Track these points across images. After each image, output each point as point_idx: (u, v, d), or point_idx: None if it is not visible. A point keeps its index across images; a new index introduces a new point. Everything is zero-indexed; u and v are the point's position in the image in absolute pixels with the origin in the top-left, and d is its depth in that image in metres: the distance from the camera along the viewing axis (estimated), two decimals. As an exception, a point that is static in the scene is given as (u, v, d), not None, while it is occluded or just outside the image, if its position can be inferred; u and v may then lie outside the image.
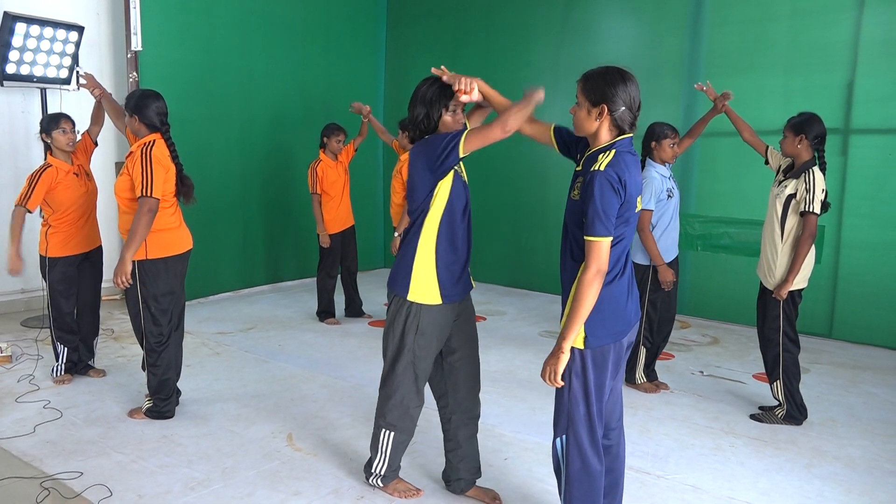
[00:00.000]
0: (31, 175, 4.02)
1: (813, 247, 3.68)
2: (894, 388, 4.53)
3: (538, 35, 7.26)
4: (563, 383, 2.27)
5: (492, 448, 3.39)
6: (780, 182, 3.77)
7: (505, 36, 7.48)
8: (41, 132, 4.17)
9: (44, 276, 4.16)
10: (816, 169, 3.65)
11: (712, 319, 6.12)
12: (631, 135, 2.30)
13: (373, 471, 2.91)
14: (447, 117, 2.65)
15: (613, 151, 2.23)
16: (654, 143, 4.15)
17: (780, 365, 3.76)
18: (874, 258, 5.46)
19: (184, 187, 3.68)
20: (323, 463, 3.23)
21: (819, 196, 3.59)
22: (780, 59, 5.76)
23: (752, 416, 3.89)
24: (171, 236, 3.63)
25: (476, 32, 7.69)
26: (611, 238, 2.18)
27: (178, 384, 3.96)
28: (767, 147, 4.06)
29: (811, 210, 3.57)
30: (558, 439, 2.41)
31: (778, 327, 3.75)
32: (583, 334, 2.27)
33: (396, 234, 5.05)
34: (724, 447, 3.51)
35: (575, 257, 2.31)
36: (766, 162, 4.05)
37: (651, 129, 4.19)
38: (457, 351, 2.82)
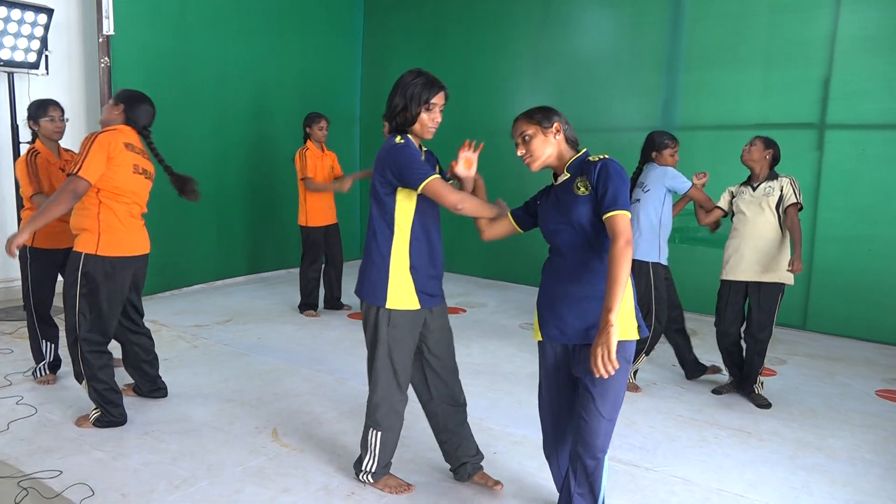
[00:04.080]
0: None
1: (787, 241, 3.97)
2: (868, 378, 4.63)
3: (518, 26, 7.23)
4: (618, 365, 2.04)
5: (480, 442, 3.33)
6: (756, 187, 4.02)
7: (485, 26, 7.43)
8: (28, 119, 3.98)
9: (24, 266, 3.95)
10: None
11: (690, 312, 6.12)
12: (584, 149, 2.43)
13: (363, 468, 2.88)
14: (424, 115, 2.62)
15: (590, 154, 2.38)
16: (654, 154, 4.12)
17: (763, 354, 4.03)
18: (848, 251, 5.57)
19: (178, 182, 3.54)
20: (311, 459, 3.18)
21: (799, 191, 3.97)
22: (758, 54, 5.82)
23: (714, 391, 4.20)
24: (124, 236, 3.34)
25: (455, 22, 7.62)
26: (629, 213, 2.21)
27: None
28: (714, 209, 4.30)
29: (799, 201, 3.92)
30: (600, 458, 2.30)
31: (773, 318, 3.97)
32: (635, 324, 2.29)
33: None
34: (709, 439, 3.55)
35: (595, 248, 2.31)
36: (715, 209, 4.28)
37: (651, 139, 4.15)
38: (433, 349, 2.81)
